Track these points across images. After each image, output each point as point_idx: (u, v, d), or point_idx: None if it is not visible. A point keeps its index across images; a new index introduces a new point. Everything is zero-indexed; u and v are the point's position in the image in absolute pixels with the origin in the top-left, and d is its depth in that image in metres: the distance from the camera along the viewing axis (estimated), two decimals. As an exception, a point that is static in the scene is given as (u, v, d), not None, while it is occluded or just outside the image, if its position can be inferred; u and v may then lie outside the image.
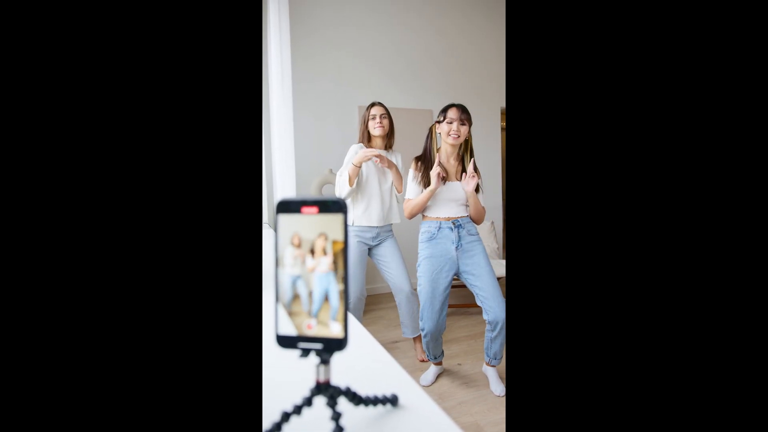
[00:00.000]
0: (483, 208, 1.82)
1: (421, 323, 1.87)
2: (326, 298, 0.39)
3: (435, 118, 3.71)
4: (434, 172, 1.72)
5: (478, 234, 1.87)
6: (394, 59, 3.62)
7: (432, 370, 2.03)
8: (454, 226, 1.80)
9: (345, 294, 0.39)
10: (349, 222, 2.10)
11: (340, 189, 2.03)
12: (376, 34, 3.54)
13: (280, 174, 2.26)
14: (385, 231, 2.13)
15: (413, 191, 1.84)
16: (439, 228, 1.81)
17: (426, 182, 1.80)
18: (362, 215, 2.09)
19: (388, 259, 2.10)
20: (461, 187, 1.80)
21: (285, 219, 0.40)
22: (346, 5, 3.44)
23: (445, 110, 1.81)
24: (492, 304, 1.75)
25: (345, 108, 3.44)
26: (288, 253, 0.40)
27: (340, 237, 0.38)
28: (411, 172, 1.88)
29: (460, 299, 3.23)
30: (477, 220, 1.83)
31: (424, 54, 3.73)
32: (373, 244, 2.13)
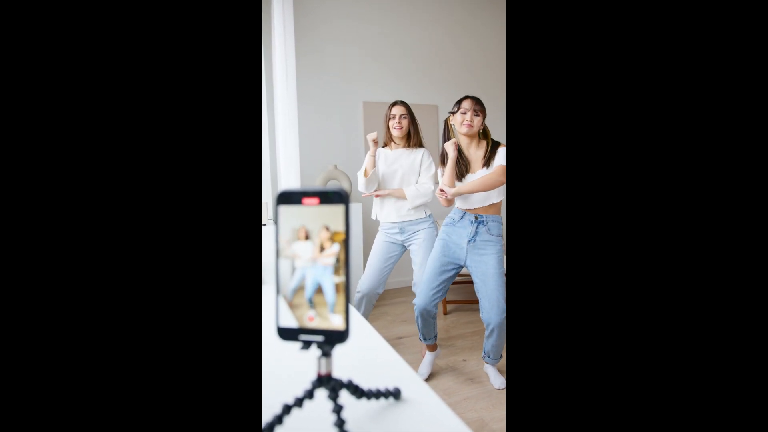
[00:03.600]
0: (489, 180, 1.71)
1: (415, 298, 1.87)
2: (327, 290, 0.39)
3: (440, 113, 3.71)
4: (449, 144, 1.75)
5: (500, 236, 1.81)
6: (398, 54, 3.60)
7: (427, 359, 2.02)
8: (475, 220, 1.78)
9: (346, 285, 0.38)
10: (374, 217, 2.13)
11: (358, 183, 2.03)
12: (380, 28, 3.52)
13: (285, 170, 2.26)
14: (411, 225, 2.05)
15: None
16: (461, 218, 1.80)
17: (456, 174, 1.80)
18: (380, 212, 2.10)
19: (415, 256, 2.06)
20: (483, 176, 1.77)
21: (286, 210, 0.39)
22: None
23: (459, 102, 1.80)
24: (485, 305, 1.74)
25: (349, 103, 3.43)
26: (289, 245, 0.40)
27: (341, 228, 0.38)
28: (439, 170, 1.88)
29: (465, 295, 3.22)
30: (490, 188, 1.72)
31: (429, 49, 3.70)
32: (402, 239, 2.07)
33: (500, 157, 1.75)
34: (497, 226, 1.80)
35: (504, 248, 2.67)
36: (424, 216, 2.06)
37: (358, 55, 3.45)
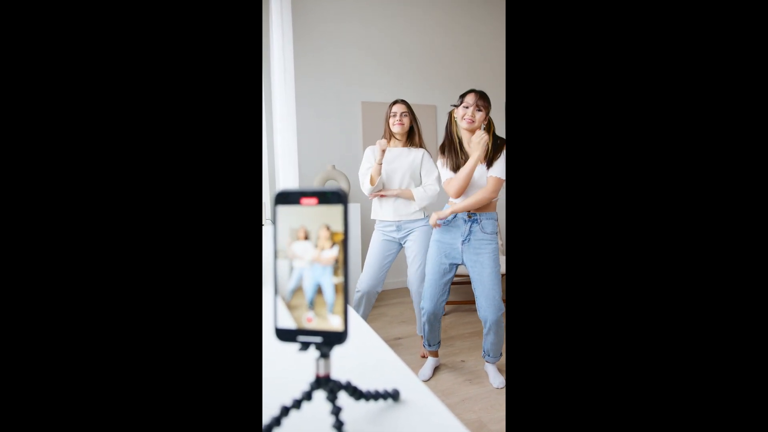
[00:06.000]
0: (482, 197, 1.71)
1: (422, 303, 1.87)
2: (326, 290, 0.38)
3: (438, 114, 3.71)
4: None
5: (494, 233, 1.79)
6: (397, 55, 3.59)
7: (429, 363, 2.03)
8: (468, 219, 1.76)
9: (345, 286, 0.38)
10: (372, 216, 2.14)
11: (363, 188, 2.06)
12: (379, 29, 3.52)
13: (283, 170, 2.25)
14: (408, 223, 2.07)
15: (446, 175, 1.80)
16: (455, 216, 1.78)
17: (452, 166, 1.77)
18: (378, 210, 2.11)
19: (410, 253, 2.09)
20: (481, 174, 1.75)
21: (284, 210, 0.39)
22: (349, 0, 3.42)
23: (463, 95, 1.78)
24: (482, 303, 1.75)
25: (348, 104, 3.43)
26: (287, 245, 0.39)
27: (340, 228, 0.38)
28: (439, 160, 1.86)
29: (463, 296, 3.22)
30: (484, 204, 1.73)
31: (427, 49, 3.70)
32: (399, 236, 2.09)
33: (499, 166, 1.72)
34: (492, 223, 1.79)
35: (500, 246, 2.58)
36: (422, 216, 2.08)
37: (357, 55, 3.45)
